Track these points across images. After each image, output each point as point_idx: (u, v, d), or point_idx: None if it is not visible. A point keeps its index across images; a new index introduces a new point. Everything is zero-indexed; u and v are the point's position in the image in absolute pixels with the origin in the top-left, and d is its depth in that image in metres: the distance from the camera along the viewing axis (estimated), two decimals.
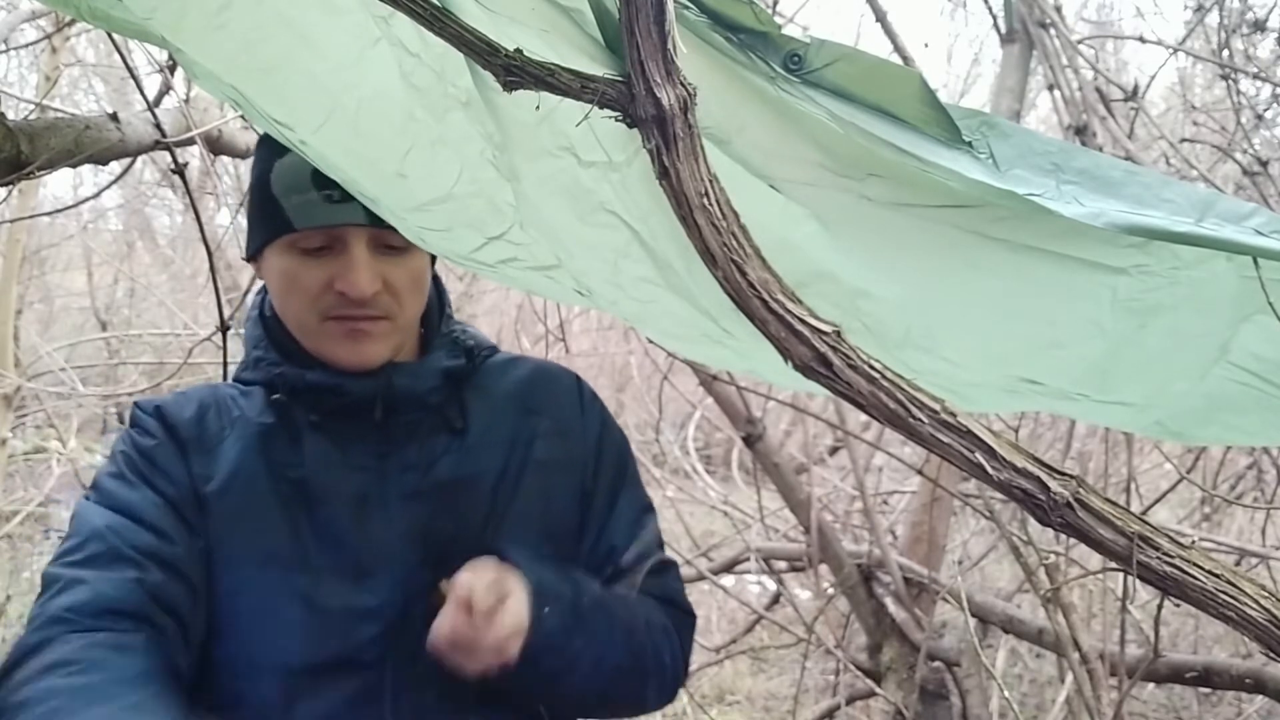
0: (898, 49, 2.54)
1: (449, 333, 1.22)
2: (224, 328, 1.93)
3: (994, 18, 2.92)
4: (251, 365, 1.17)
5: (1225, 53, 2.97)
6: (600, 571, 1.21)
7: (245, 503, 1.10)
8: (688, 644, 1.26)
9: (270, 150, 1.10)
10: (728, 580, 4.16)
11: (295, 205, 1.07)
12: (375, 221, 1.07)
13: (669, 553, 1.31)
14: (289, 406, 1.14)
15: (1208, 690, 3.51)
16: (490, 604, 0.99)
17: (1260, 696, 2.74)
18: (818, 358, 0.75)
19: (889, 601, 3.07)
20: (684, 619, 1.26)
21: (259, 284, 1.22)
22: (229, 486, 1.10)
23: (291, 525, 1.10)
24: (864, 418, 3.14)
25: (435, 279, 1.24)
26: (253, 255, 1.16)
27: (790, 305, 0.75)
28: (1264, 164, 2.77)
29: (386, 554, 1.11)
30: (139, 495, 1.07)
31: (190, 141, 1.95)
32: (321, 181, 1.06)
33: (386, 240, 1.09)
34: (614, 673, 1.12)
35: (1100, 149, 2.43)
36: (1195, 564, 0.73)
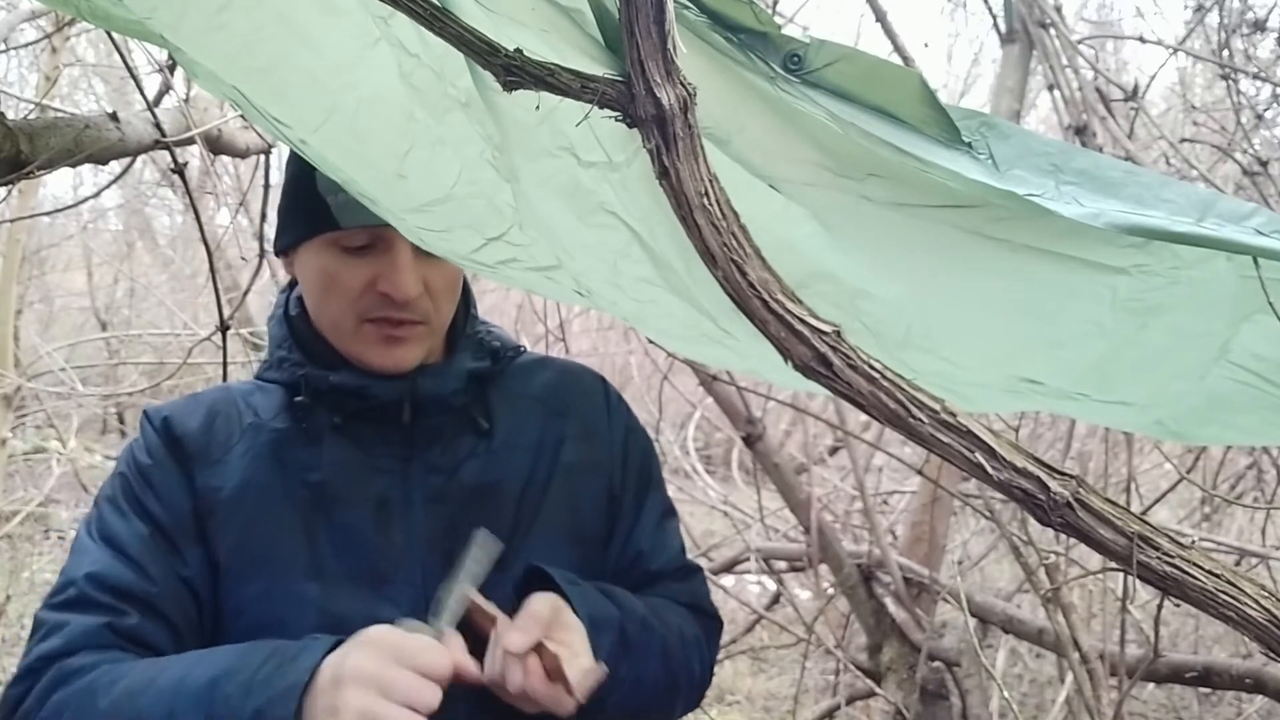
0: (898, 49, 2.54)
1: (474, 334, 1.20)
2: (224, 328, 1.93)
3: (994, 18, 2.92)
4: (275, 365, 1.15)
5: (1225, 53, 2.97)
6: (627, 576, 1.20)
7: (256, 512, 1.08)
8: (714, 650, 1.25)
9: None
10: (728, 580, 4.16)
11: (342, 203, 1.06)
12: None
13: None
14: (311, 409, 1.12)
15: (1208, 690, 3.51)
16: (577, 678, 0.96)
17: (1260, 696, 2.74)
18: (818, 358, 0.75)
19: (889, 601, 3.07)
20: (711, 625, 1.25)
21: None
22: (239, 497, 1.08)
23: (307, 532, 1.08)
24: (864, 418, 3.14)
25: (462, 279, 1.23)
26: (284, 250, 1.14)
27: (790, 305, 0.75)
28: (1264, 164, 2.77)
29: (408, 560, 1.08)
30: (127, 527, 1.06)
31: (190, 141, 1.96)
32: None
33: None
34: (651, 690, 1.11)
35: (1100, 149, 2.43)
36: (1195, 564, 0.73)
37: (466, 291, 1.22)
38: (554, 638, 0.99)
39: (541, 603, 1.02)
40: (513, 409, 1.19)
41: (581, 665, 0.97)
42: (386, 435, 1.12)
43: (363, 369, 1.12)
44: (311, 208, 1.08)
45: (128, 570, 1.03)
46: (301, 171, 1.09)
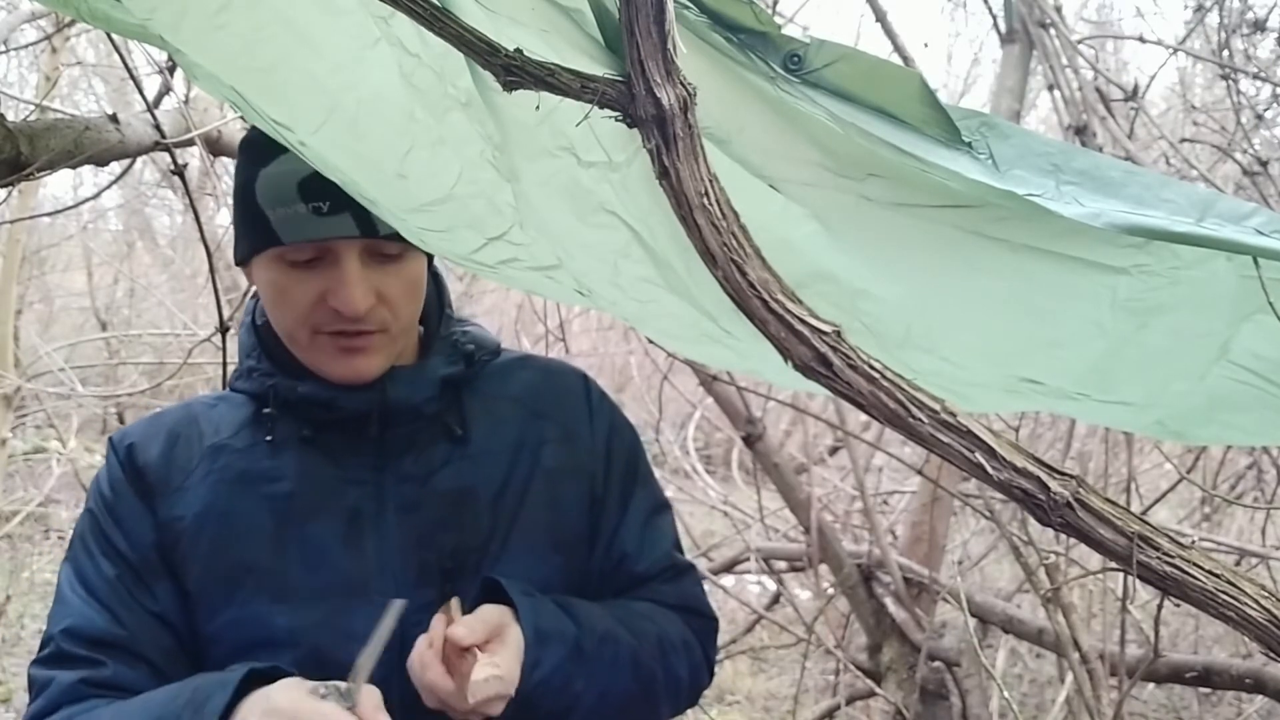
0: (898, 49, 2.54)
1: (448, 335, 1.17)
2: (223, 328, 1.93)
3: (994, 18, 2.92)
4: (244, 375, 1.14)
5: (1225, 53, 2.97)
6: (612, 578, 1.18)
7: (220, 538, 1.07)
8: (710, 650, 1.23)
9: (253, 157, 1.06)
10: (728, 580, 4.16)
11: (282, 218, 1.03)
12: (366, 232, 1.03)
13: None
14: (279, 420, 1.10)
15: (1208, 690, 3.51)
16: (476, 680, 0.95)
17: (1260, 696, 2.74)
18: (818, 358, 0.75)
19: (889, 601, 3.07)
20: (705, 624, 1.23)
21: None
22: (201, 524, 1.07)
23: (277, 549, 1.06)
24: (864, 418, 3.14)
25: (436, 276, 1.20)
26: (241, 261, 1.13)
27: (790, 305, 0.75)
28: (1264, 164, 2.77)
29: (379, 572, 1.07)
30: (96, 570, 1.07)
31: (190, 142, 1.95)
32: (309, 193, 1.02)
33: (379, 249, 1.06)
34: (621, 703, 1.09)
35: (1100, 149, 2.43)
36: (1195, 564, 0.72)
37: (442, 290, 1.20)
38: (485, 649, 0.98)
39: (493, 611, 1.02)
40: (489, 412, 1.16)
41: (488, 673, 0.96)
42: (357, 446, 1.10)
43: (327, 381, 1.09)
44: (256, 222, 1.05)
45: (99, 617, 1.05)
46: (246, 185, 1.06)
